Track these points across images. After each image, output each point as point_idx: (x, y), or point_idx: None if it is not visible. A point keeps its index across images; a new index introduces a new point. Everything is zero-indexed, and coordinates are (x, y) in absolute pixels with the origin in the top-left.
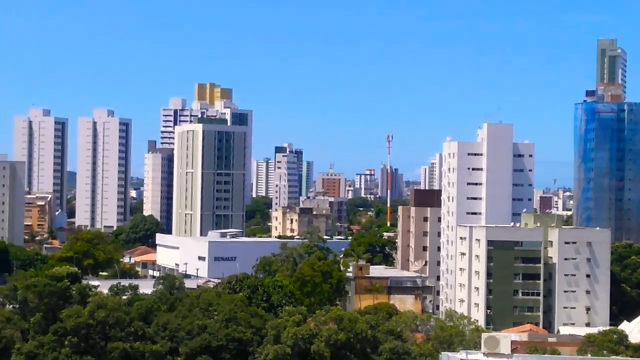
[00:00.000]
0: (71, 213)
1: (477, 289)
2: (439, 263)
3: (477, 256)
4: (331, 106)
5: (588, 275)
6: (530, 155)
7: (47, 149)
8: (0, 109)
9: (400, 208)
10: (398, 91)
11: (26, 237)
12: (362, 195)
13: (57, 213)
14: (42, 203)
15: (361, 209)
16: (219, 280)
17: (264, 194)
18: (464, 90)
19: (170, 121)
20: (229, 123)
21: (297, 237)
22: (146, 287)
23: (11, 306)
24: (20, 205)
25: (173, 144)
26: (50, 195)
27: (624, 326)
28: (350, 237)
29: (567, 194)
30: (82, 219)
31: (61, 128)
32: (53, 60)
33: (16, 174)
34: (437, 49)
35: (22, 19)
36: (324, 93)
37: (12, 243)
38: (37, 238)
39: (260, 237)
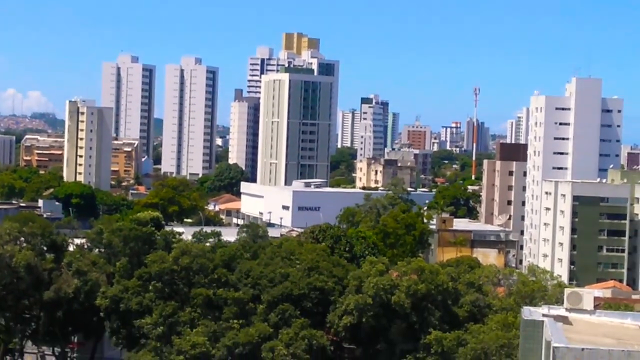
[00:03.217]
0: (157, 160)
1: (561, 244)
2: (523, 217)
3: (561, 211)
4: (418, 58)
5: None
6: (619, 111)
7: (135, 95)
8: (89, 55)
9: (485, 161)
10: (487, 44)
11: (113, 182)
12: (448, 148)
13: (143, 159)
14: (129, 149)
15: (446, 161)
16: (302, 230)
17: (348, 145)
18: (553, 44)
19: (257, 70)
20: (315, 73)
21: (381, 188)
22: (230, 235)
23: (97, 250)
24: (107, 151)
25: (259, 92)
26: (136, 142)
27: None
28: (434, 190)
29: None
30: (167, 165)
31: (149, 75)
32: (142, 6)
33: (104, 120)
34: (526, 1)
35: None
36: (411, 45)
37: (99, 188)
38: (124, 184)
39: (345, 187)
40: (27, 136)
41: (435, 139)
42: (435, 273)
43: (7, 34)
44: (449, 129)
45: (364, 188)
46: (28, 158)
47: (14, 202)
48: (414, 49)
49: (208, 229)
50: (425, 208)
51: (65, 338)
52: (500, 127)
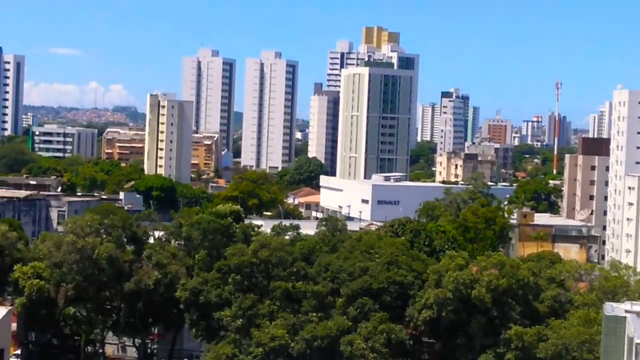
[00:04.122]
0: (237, 153)
1: None
2: (605, 212)
3: None
4: (499, 52)
5: None
6: None
7: (215, 89)
8: (170, 50)
9: (567, 156)
10: (569, 37)
11: (193, 175)
12: (529, 142)
13: (223, 153)
14: (209, 142)
15: (527, 156)
16: (382, 224)
17: (428, 139)
18: (637, 38)
19: (337, 64)
20: (395, 67)
21: (461, 182)
22: (309, 228)
23: (176, 242)
24: (187, 144)
25: (339, 86)
26: (217, 135)
27: None
28: (515, 184)
29: None
30: (247, 159)
31: (229, 69)
32: (223, 1)
33: (184, 113)
34: None
35: None
36: (492, 38)
37: (179, 181)
38: (203, 177)
39: (424, 181)
40: (108, 129)
41: (516, 133)
42: (516, 268)
43: (90, 29)
44: (530, 123)
45: (443, 182)
46: (109, 151)
47: (95, 194)
48: (495, 42)
49: (287, 222)
50: (505, 202)
51: (145, 329)
52: (582, 122)
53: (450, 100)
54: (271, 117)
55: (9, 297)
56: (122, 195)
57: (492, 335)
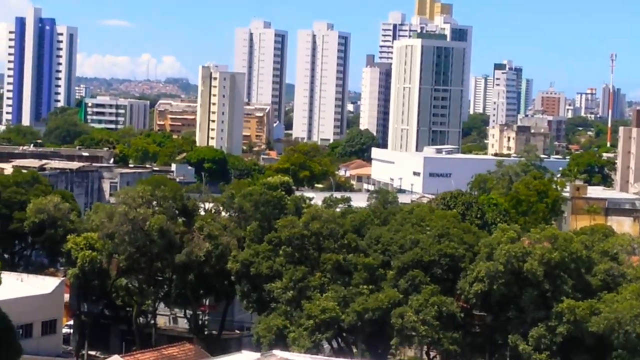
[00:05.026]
0: (288, 125)
1: None
2: None
3: None
4: (553, 24)
5: None
6: None
7: (267, 61)
8: (223, 21)
9: (621, 129)
10: (624, 8)
11: (244, 147)
12: (582, 114)
13: (274, 125)
14: (261, 114)
15: (580, 128)
16: (433, 196)
17: (481, 111)
18: None
19: (389, 36)
20: (448, 39)
21: (514, 155)
22: (360, 201)
23: (228, 214)
24: (239, 116)
25: (391, 58)
26: (268, 107)
27: None
28: (568, 157)
29: None
30: (299, 131)
31: (281, 40)
32: None
33: (236, 85)
34: None
35: None
36: (545, 10)
37: (231, 153)
38: (255, 149)
39: (476, 154)
40: (160, 101)
41: (569, 105)
42: (569, 241)
43: (143, 0)
44: (583, 96)
45: (496, 155)
46: (161, 123)
47: (147, 166)
48: (548, 13)
49: (338, 195)
50: (558, 175)
51: (196, 301)
52: (637, 94)
53: (503, 72)
54: (323, 89)
55: (62, 268)
56: (174, 167)
57: (544, 309)
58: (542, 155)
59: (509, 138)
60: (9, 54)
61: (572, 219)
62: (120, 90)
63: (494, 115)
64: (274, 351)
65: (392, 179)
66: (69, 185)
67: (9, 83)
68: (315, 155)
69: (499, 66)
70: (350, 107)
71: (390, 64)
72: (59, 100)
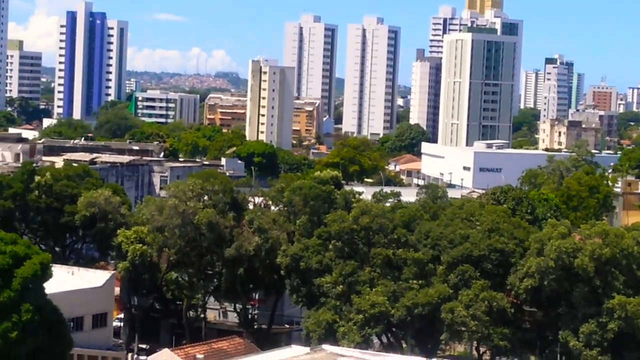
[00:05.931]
0: (338, 119)
1: None
2: None
3: None
4: (605, 18)
5: None
6: None
7: (317, 55)
8: (273, 15)
9: None
10: None
11: (294, 141)
12: (634, 109)
13: (324, 119)
14: (310, 109)
15: (632, 123)
16: (483, 191)
17: (531, 106)
18: None
19: (439, 30)
20: (498, 33)
21: (565, 150)
22: (409, 195)
23: (277, 208)
24: (289, 111)
25: (441, 52)
26: (318, 101)
27: None
28: (619, 152)
29: None
30: (349, 125)
31: (331, 34)
32: None
33: (286, 79)
34: None
35: None
36: (597, 4)
37: (280, 147)
38: (305, 143)
39: (527, 149)
40: (210, 95)
41: (621, 100)
42: (620, 237)
43: None
44: (636, 90)
45: (547, 149)
46: (211, 117)
47: (197, 160)
48: (600, 8)
49: (388, 189)
50: (610, 170)
51: (246, 295)
52: None
53: (554, 67)
54: (373, 83)
55: (112, 261)
56: (223, 161)
57: (595, 305)
58: (594, 151)
59: (559, 133)
60: (60, 48)
61: (624, 214)
62: (171, 84)
63: (544, 110)
64: (324, 346)
65: (442, 174)
66: (120, 179)
67: (60, 77)
68: (365, 150)
69: (550, 60)
70: (400, 101)
71: (441, 58)
72: (109, 94)
